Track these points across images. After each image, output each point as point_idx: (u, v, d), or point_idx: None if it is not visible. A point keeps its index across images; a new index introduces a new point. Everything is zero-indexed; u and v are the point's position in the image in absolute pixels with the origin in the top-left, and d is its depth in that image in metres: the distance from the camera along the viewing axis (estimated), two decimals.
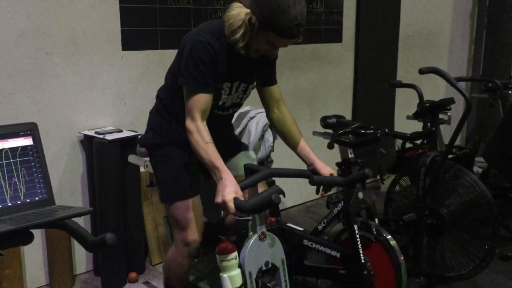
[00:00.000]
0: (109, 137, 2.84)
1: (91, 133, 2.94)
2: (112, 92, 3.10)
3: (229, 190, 1.76)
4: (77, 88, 2.96)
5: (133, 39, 3.12)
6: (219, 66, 1.96)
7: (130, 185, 3.03)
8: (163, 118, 2.15)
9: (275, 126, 2.29)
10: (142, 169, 3.05)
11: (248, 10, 1.84)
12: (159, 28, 3.22)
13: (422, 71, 2.66)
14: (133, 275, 3.07)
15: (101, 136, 2.85)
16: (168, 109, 2.13)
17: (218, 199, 1.76)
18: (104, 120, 3.09)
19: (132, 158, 2.58)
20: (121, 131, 2.99)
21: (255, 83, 2.16)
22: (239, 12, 1.86)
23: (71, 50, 2.90)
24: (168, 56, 3.26)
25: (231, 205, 1.72)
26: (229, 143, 2.28)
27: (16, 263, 2.81)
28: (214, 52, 1.92)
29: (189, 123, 1.94)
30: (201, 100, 1.94)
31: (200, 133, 1.91)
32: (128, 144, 2.91)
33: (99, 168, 2.88)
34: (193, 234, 2.12)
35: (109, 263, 2.99)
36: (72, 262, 3.06)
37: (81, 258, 3.15)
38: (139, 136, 2.31)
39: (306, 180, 2.11)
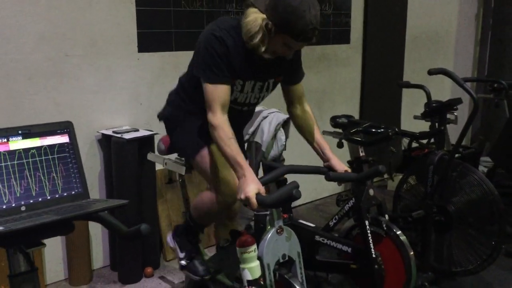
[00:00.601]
0: (127, 136, 2.94)
1: (109, 132, 3.04)
2: (128, 92, 3.19)
3: (252, 187, 1.84)
4: (95, 89, 3.05)
5: (148, 41, 3.21)
6: (232, 62, 2.01)
7: (146, 183, 3.12)
8: (181, 98, 2.27)
9: (294, 121, 2.36)
10: (157, 168, 3.15)
11: (264, 16, 1.91)
12: (173, 31, 3.31)
13: (431, 72, 2.74)
14: (149, 270, 3.16)
15: (119, 135, 2.95)
16: (187, 90, 2.23)
17: (241, 196, 1.84)
18: (120, 120, 3.19)
19: (151, 156, 2.66)
20: (137, 130, 3.08)
21: (273, 80, 2.20)
22: (256, 18, 1.92)
23: (90, 52, 2.99)
24: (182, 57, 3.36)
25: (254, 201, 1.80)
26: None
27: (37, 258, 2.91)
28: (227, 48, 1.98)
29: (211, 118, 1.99)
30: (220, 92, 1.99)
31: (223, 129, 1.97)
32: (144, 143, 3.01)
33: (117, 166, 2.98)
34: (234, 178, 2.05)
35: (125, 259, 3.08)
36: (90, 257, 3.15)
37: (99, 254, 3.25)
38: (158, 113, 2.42)
39: (315, 179, 2.21)
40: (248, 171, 1.90)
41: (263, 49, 1.95)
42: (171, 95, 2.36)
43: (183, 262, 2.40)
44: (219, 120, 1.98)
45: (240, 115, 2.28)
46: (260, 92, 2.21)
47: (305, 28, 1.87)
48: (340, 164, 2.23)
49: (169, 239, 2.56)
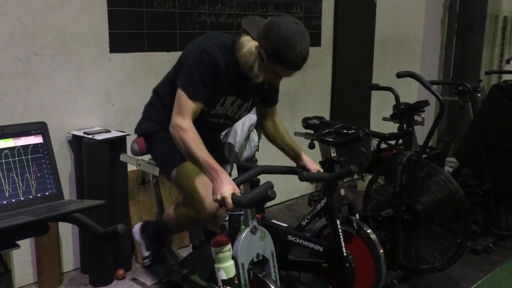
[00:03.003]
0: (98, 137, 2.91)
1: (80, 133, 3.00)
2: (100, 93, 3.16)
3: (228, 188, 1.86)
4: (66, 89, 3.02)
5: (120, 41, 3.19)
6: (219, 81, 2.05)
7: (118, 184, 3.10)
8: (157, 112, 2.28)
9: (265, 132, 2.45)
10: (129, 169, 3.14)
11: (257, 43, 1.94)
12: (145, 31, 3.30)
13: (399, 75, 2.81)
14: (120, 272, 3.14)
15: (91, 136, 2.92)
16: (164, 104, 2.24)
17: (217, 196, 1.86)
18: (92, 121, 3.16)
19: (124, 157, 2.65)
20: (109, 131, 3.06)
21: (250, 102, 2.27)
22: (250, 47, 1.95)
23: (60, 52, 2.96)
24: (155, 58, 3.36)
25: (230, 201, 1.83)
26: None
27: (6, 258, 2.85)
28: (217, 67, 2.01)
29: (180, 120, 2.00)
30: (195, 107, 2.03)
31: (193, 132, 1.99)
32: (116, 144, 2.99)
33: (88, 168, 2.95)
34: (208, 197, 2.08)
35: (96, 261, 3.05)
36: (60, 260, 3.11)
37: (69, 256, 3.21)
38: (135, 127, 2.43)
39: (287, 180, 2.26)
40: (222, 173, 1.93)
41: (262, 77, 1.99)
42: (146, 108, 2.36)
43: (146, 261, 2.43)
44: (189, 124, 2.00)
45: (215, 127, 2.34)
46: (238, 109, 2.26)
47: (295, 59, 1.92)
48: (313, 164, 2.29)
49: (136, 229, 2.56)
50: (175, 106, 2.04)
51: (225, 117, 2.28)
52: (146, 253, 2.45)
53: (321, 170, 2.30)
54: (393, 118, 3.28)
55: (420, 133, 3.89)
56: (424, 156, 3.05)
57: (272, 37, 1.89)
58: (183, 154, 2.05)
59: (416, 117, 3.30)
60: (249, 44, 1.94)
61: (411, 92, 5.43)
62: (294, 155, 2.34)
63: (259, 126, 2.48)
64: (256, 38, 1.94)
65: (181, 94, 2.04)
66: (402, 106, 3.21)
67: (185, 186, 2.19)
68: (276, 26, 1.89)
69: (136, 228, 2.56)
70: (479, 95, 3.84)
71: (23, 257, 3.00)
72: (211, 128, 2.28)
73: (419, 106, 3.18)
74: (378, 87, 3.45)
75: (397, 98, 3.26)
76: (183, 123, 1.99)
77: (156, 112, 2.29)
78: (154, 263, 2.43)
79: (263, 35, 1.91)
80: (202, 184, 2.13)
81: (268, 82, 2.11)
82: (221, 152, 2.55)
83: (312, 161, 2.31)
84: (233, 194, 1.84)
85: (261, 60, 1.94)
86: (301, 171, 2.20)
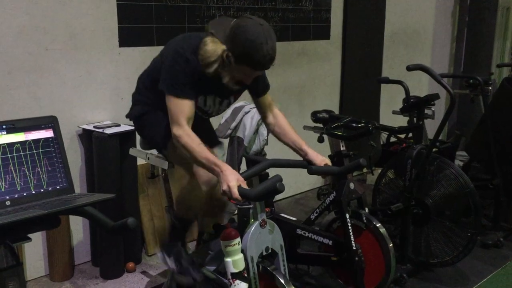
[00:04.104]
0: (108, 131, 2.93)
1: (90, 127, 3.02)
2: (109, 87, 3.18)
3: (232, 177, 1.88)
4: (75, 84, 3.03)
5: (129, 36, 3.20)
6: (195, 81, 2.08)
7: (128, 178, 3.12)
8: (144, 96, 2.33)
9: (269, 129, 2.47)
10: (139, 163, 3.15)
11: (224, 47, 1.98)
12: (154, 25, 3.31)
13: (409, 68, 2.79)
14: (130, 265, 3.17)
15: (100, 130, 2.94)
16: (148, 86, 2.31)
17: (224, 187, 1.87)
18: (101, 115, 3.17)
19: (133, 151, 2.66)
20: (119, 125, 3.07)
21: (232, 98, 2.34)
22: (215, 48, 1.99)
23: (70, 46, 2.97)
24: None
25: (235, 190, 1.84)
26: (205, 137, 2.38)
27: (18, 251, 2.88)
28: (192, 68, 2.05)
29: (176, 130, 2.05)
30: (185, 107, 2.06)
31: (189, 136, 2.03)
32: (126, 138, 3.00)
33: (98, 161, 2.96)
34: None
35: (107, 254, 3.08)
36: (71, 253, 3.14)
37: (80, 249, 3.24)
38: (126, 114, 2.48)
39: (295, 173, 2.26)
40: (225, 166, 1.95)
41: (212, 74, 2.03)
42: (134, 95, 2.41)
43: (174, 269, 2.42)
44: (186, 130, 2.04)
45: (203, 120, 2.39)
46: (220, 105, 2.33)
47: (262, 60, 1.97)
48: (318, 156, 2.29)
49: (159, 255, 2.56)
50: (170, 117, 2.09)
51: (210, 114, 2.37)
52: (170, 261, 2.43)
53: (329, 163, 2.29)
54: (403, 111, 3.26)
55: (430, 127, 3.87)
56: (434, 150, 3.04)
57: (239, 41, 1.94)
58: (189, 160, 2.10)
59: (426, 111, 3.29)
60: (214, 45, 1.99)
61: (421, 86, 5.39)
62: (299, 149, 2.34)
63: (266, 127, 2.50)
64: (223, 42, 1.98)
65: (169, 99, 2.07)
66: (412, 100, 3.19)
67: (182, 160, 2.23)
68: (241, 29, 1.94)
69: (159, 254, 2.55)
70: (490, 88, 3.81)
71: (34, 250, 3.03)
72: (200, 124, 2.31)
73: (430, 99, 3.16)
74: (388, 81, 3.42)
75: (407, 91, 3.23)
76: (179, 131, 2.04)
77: (140, 95, 2.35)
78: (180, 265, 2.40)
79: (230, 39, 1.96)
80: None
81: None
82: (209, 133, 2.57)
83: (317, 154, 2.30)
84: (241, 187, 1.84)
85: (228, 62, 1.98)
86: (309, 165, 2.20)
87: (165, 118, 2.17)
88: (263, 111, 2.43)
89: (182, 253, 2.39)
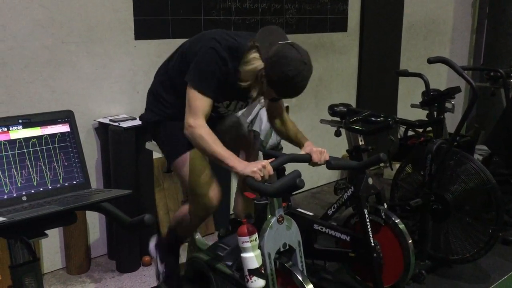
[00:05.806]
0: (124, 124, 2.92)
1: (106, 120, 3.01)
2: (125, 80, 3.16)
3: (257, 163, 1.89)
4: (91, 77, 3.02)
5: (145, 28, 3.18)
6: (226, 84, 2.07)
7: (144, 171, 3.11)
8: (160, 103, 2.27)
9: (274, 129, 2.46)
10: (155, 156, 3.14)
11: (262, 65, 1.96)
12: (170, 18, 3.28)
13: (430, 61, 2.73)
14: (146, 258, 3.16)
15: (117, 124, 2.93)
16: (168, 93, 2.25)
17: (250, 169, 1.86)
18: (117, 108, 3.16)
19: (149, 145, 2.65)
20: (134, 119, 3.06)
21: (249, 101, 2.32)
22: (255, 68, 1.97)
23: (86, 39, 2.96)
24: (180, 45, 3.33)
25: (270, 167, 1.87)
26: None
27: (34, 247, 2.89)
28: (228, 70, 2.04)
29: (192, 120, 2.02)
30: (206, 104, 2.04)
31: (207, 129, 2.01)
32: (142, 132, 2.98)
33: (114, 155, 2.96)
34: (211, 191, 2.17)
35: (123, 248, 3.08)
36: (88, 246, 3.14)
37: (96, 242, 3.24)
38: (139, 116, 2.45)
39: (312, 168, 2.22)
40: (240, 159, 1.98)
41: (255, 93, 2.04)
42: (149, 97, 2.35)
43: (161, 275, 2.45)
44: (202, 122, 2.02)
45: (216, 121, 2.36)
46: (240, 108, 2.35)
47: (291, 94, 2.02)
48: (310, 146, 2.24)
49: (151, 246, 2.58)
50: (187, 107, 2.05)
51: (225, 116, 2.38)
52: (161, 267, 2.46)
53: (327, 156, 2.22)
54: (423, 105, 3.19)
55: (449, 120, 3.79)
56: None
57: (277, 71, 1.92)
58: (200, 151, 2.08)
59: (446, 104, 3.22)
60: (255, 63, 1.97)
61: (440, 78, 5.30)
62: (300, 144, 2.32)
63: (270, 124, 2.48)
64: (263, 60, 1.96)
65: (192, 93, 2.04)
66: (432, 93, 3.12)
67: (188, 177, 2.21)
68: (283, 61, 1.92)
69: (151, 245, 2.57)
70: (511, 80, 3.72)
71: (51, 243, 3.04)
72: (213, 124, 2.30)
73: (450, 92, 3.09)
74: (408, 73, 3.35)
75: (427, 84, 3.16)
76: (196, 122, 2.02)
77: (157, 102, 2.29)
78: (169, 276, 2.44)
79: (270, 62, 1.94)
80: (204, 180, 2.17)
81: None
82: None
83: (312, 146, 2.24)
84: (259, 182, 1.82)
85: (260, 81, 1.98)
86: (329, 160, 2.16)
87: (178, 130, 2.13)
88: (272, 113, 2.40)
89: (175, 269, 2.46)
